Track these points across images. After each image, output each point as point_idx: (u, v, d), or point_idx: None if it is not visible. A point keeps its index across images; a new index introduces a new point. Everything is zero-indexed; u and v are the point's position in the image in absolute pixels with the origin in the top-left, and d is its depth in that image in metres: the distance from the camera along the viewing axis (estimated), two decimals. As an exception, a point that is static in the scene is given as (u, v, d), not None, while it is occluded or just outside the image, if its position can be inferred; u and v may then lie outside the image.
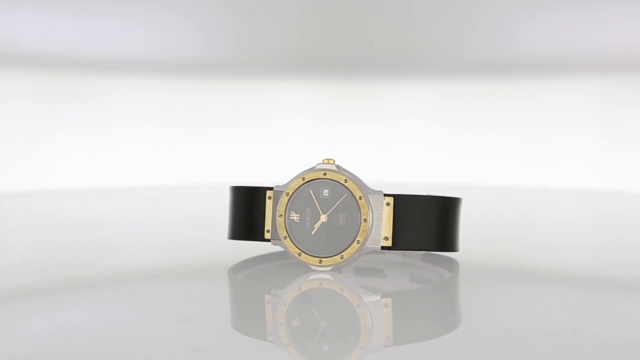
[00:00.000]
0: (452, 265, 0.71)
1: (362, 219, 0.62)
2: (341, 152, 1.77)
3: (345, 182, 0.63)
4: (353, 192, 0.63)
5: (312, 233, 0.63)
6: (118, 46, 1.67)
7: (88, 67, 1.68)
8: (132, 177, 1.69)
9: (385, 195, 0.63)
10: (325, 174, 0.63)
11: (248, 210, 0.67)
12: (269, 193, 0.65)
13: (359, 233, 0.62)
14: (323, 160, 0.64)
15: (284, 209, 0.64)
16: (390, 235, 0.63)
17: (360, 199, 0.62)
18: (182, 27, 1.65)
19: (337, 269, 0.64)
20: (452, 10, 1.61)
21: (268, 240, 0.65)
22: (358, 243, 0.62)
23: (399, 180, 1.65)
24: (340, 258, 0.63)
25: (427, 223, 0.65)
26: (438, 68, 1.79)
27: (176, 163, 1.74)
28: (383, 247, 0.63)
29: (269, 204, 0.65)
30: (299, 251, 0.63)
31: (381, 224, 0.63)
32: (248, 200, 0.67)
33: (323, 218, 0.63)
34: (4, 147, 1.61)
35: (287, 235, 0.64)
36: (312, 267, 0.64)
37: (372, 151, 1.79)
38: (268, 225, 0.65)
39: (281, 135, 1.78)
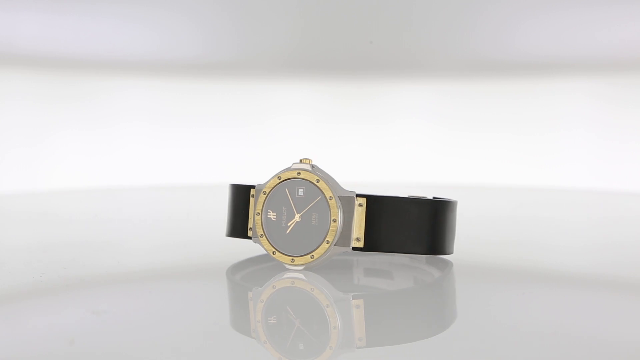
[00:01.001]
0: (467, 275, 0.71)
1: (332, 219, 0.62)
2: (341, 152, 1.77)
3: (317, 182, 0.63)
4: (324, 192, 0.63)
5: (287, 232, 0.64)
6: (118, 46, 1.67)
7: (88, 67, 1.68)
8: (132, 177, 1.69)
9: (358, 195, 0.63)
10: (299, 174, 0.64)
11: (237, 208, 0.68)
12: (252, 191, 0.66)
13: (328, 233, 0.62)
14: (300, 160, 0.65)
15: (261, 208, 0.65)
16: (361, 236, 0.63)
17: (330, 199, 0.63)
18: (182, 27, 1.65)
19: (309, 268, 0.64)
20: (452, 10, 1.61)
21: (250, 238, 0.66)
22: (327, 243, 0.62)
23: (400, 180, 1.65)
24: (311, 258, 0.63)
25: (403, 225, 0.64)
26: (438, 68, 1.79)
27: (176, 163, 1.74)
28: (354, 248, 0.63)
29: (251, 202, 0.66)
30: (274, 249, 0.64)
31: (352, 225, 0.63)
32: (238, 198, 0.68)
33: (297, 217, 0.64)
34: (4, 147, 1.61)
35: (263, 233, 0.64)
36: (286, 266, 0.64)
37: (372, 151, 1.79)
38: (250, 223, 0.66)
39: (281, 135, 1.78)
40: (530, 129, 1.75)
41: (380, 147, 1.79)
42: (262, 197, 0.64)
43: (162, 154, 1.74)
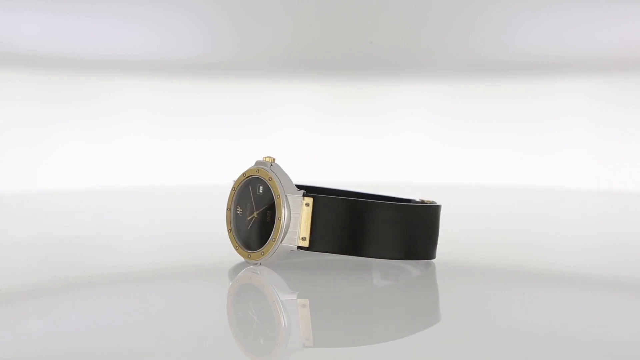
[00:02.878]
0: (466, 275, 0.70)
1: (277, 217, 0.63)
2: (341, 152, 1.77)
3: (270, 180, 0.64)
4: (273, 190, 0.64)
5: (248, 228, 0.66)
6: (118, 46, 1.67)
7: (88, 67, 1.68)
8: (132, 177, 1.69)
9: (306, 195, 0.63)
10: (258, 171, 0.65)
11: None
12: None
13: (274, 231, 0.63)
14: (263, 158, 0.66)
15: (230, 203, 0.67)
16: (307, 236, 0.63)
17: (277, 198, 0.63)
18: (182, 27, 1.65)
19: (264, 264, 0.65)
20: (452, 10, 1.61)
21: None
22: (273, 241, 0.63)
23: (400, 181, 1.65)
24: (261, 254, 0.64)
25: (350, 227, 0.64)
26: (438, 68, 1.79)
27: (176, 163, 1.74)
28: (300, 247, 0.63)
29: None
30: (237, 245, 0.66)
31: (298, 224, 0.63)
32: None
33: (255, 214, 0.65)
34: (4, 147, 1.61)
35: (231, 228, 0.67)
36: (246, 261, 0.66)
37: (372, 151, 1.79)
38: None
39: (281, 135, 1.78)
40: (530, 129, 1.75)
41: (380, 147, 1.79)
42: (231, 193, 0.67)
43: (162, 154, 1.74)
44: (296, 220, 0.63)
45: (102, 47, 1.65)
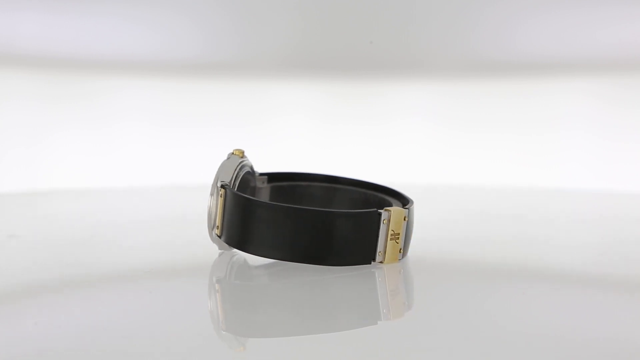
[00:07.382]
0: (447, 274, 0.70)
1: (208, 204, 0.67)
2: (341, 152, 1.77)
3: (218, 169, 0.68)
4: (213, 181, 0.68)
5: None
6: (118, 46, 1.67)
7: (88, 67, 1.68)
8: (132, 177, 1.69)
9: (223, 187, 0.66)
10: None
11: None
12: None
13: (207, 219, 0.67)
14: (234, 151, 0.70)
15: None
16: (220, 225, 0.66)
17: (211, 188, 0.68)
18: (182, 27, 1.65)
19: (222, 249, 0.69)
20: (452, 10, 1.61)
21: None
22: (208, 227, 0.67)
23: (399, 181, 1.64)
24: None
25: (236, 221, 0.65)
26: (438, 68, 1.79)
27: (176, 163, 1.74)
28: (217, 235, 0.67)
29: None
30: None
31: (217, 213, 0.66)
32: None
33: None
34: (4, 147, 1.61)
35: None
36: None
37: (372, 151, 1.79)
38: None
39: (281, 135, 1.78)
40: (530, 129, 1.75)
41: (380, 147, 1.79)
42: None
43: (162, 154, 1.74)
44: (216, 209, 0.66)
45: (102, 47, 1.65)
